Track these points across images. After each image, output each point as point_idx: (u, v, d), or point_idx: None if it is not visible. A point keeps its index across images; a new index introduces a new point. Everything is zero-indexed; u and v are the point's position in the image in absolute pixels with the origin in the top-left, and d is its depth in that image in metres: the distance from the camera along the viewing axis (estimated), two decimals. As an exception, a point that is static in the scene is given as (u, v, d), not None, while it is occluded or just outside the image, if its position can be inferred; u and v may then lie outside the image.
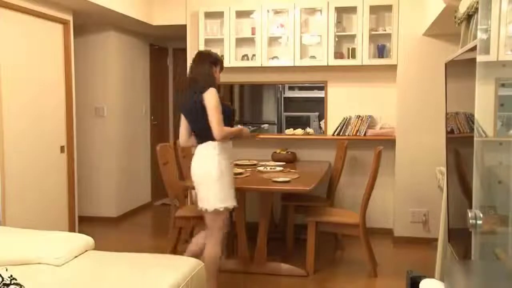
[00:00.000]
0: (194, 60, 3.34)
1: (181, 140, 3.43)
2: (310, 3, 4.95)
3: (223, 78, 5.43)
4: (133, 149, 6.06)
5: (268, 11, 5.00)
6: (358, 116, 4.97)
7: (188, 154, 4.88)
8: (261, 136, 4.83)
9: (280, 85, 6.44)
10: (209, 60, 3.30)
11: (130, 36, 5.92)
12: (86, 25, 5.34)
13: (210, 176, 3.16)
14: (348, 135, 4.93)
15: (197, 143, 3.28)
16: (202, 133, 3.22)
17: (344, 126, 4.98)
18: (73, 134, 4.72)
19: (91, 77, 5.54)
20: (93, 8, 4.57)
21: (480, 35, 1.56)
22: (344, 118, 5.02)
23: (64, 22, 4.57)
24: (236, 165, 4.60)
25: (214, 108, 3.12)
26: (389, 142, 4.75)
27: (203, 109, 3.13)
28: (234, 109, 3.09)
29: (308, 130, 5.17)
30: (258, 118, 6.83)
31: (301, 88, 6.49)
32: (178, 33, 5.53)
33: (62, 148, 4.58)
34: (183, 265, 2.60)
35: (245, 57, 5.20)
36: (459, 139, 2.40)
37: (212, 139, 3.17)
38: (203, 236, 3.37)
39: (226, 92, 6.35)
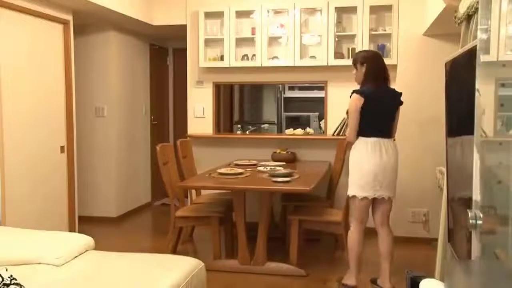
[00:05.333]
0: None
1: None
2: (310, 3, 4.95)
3: (224, 78, 5.50)
4: (133, 149, 6.06)
5: (268, 11, 5.00)
6: (358, 116, 4.96)
7: (188, 154, 4.88)
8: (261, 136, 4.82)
9: (280, 85, 6.45)
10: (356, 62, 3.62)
11: (130, 36, 5.92)
12: (86, 25, 5.34)
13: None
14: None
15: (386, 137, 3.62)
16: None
17: (344, 126, 4.97)
18: (73, 134, 4.72)
19: (91, 77, 5.53)
20: (93, 8, 4.57)
21: (480, 35, 1.56)
22: (344, 118, 5.01)
23: (64, 22, 4.57)
24: (236, 165, 4.61)
25: (349, 112, 3.54)
26: (389, 142, 4.74)
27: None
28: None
29: (308, 130, 5.17)
30: (258, 118, 6.84)
31: (301, 88, 6.50)
32: (178, 33, 5.53)
33: (62, 148, 4.58)
34: (183, 265, 2.61)
35: (245, 57, 5.20)
36: (459, 139, 2.40)
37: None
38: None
39: (226, 92, 6.36)
